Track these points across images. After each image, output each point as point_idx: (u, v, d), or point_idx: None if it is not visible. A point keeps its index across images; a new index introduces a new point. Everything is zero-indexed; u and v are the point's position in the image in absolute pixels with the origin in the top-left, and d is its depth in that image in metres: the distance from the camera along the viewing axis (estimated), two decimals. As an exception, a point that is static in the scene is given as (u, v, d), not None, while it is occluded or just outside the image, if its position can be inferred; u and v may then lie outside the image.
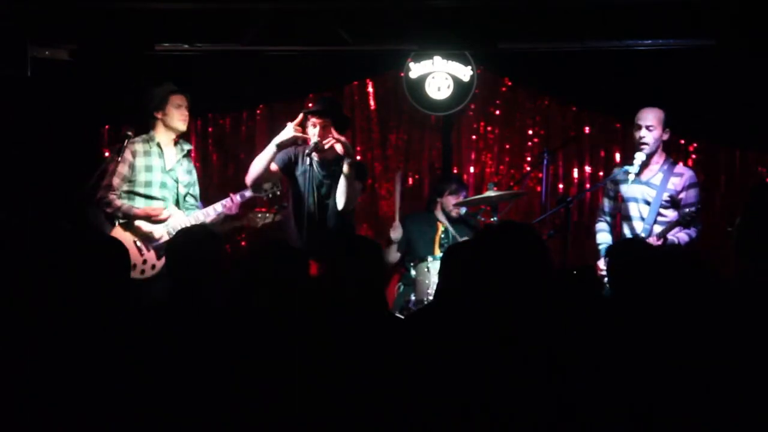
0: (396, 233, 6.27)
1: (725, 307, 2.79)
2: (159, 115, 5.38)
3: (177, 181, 5.42)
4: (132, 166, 5.31)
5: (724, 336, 2.70)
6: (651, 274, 3.02)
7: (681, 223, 5.08)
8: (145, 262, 5.27)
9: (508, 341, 2.57)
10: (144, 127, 5.44)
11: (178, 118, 5.39)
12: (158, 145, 5.38)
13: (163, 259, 5.21)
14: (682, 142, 6.59)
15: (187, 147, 5.54)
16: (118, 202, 5.29)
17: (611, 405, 2.53)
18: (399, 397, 2.62)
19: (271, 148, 5.21)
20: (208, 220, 5.38)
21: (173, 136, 5.44)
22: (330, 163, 5.30)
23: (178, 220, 5.36)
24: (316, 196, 5.25)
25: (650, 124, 5.17)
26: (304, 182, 5.27)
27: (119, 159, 5.24)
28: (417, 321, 3.40)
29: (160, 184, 5.37)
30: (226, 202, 5.41)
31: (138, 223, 5.31)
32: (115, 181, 5.27)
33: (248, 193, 5.42)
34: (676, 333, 2.74)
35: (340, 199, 5.22)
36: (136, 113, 5.53)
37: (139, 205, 5.33)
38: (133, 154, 5.32)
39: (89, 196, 5.26)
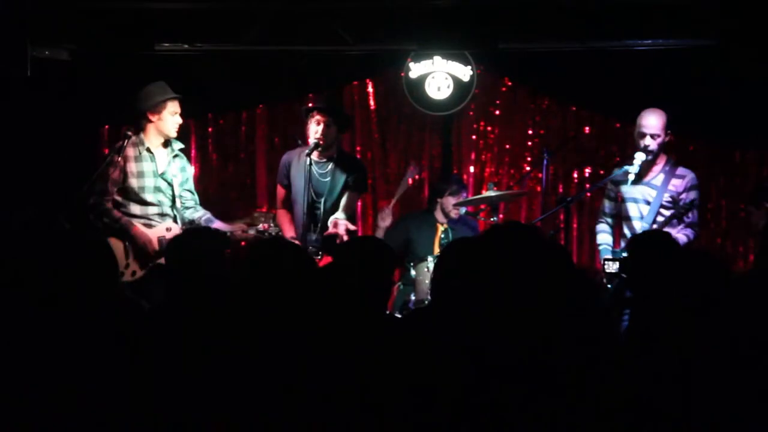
0: (385, 221, 5.98)
1: (747, 302, 2.77)
2: (153, 118, 5.26)
3: (171, 183, 5.34)
4: (123, 172, 5.23)
5: (744, 332, 2.67)
6: (674, 267, 2.98)
7: (676, 215, 5.07)
8: (127, 266, 5.23)
9: (511, 342, 2.56)
10: (136, 125, 5.32)
11: (172, 125, 5.28)
12: (148, 149, 5.27)
13: (144, 270, 5.24)
14: (682, 142, 6.58)
15: (177, 146, 5.42)
16: (117, 213, 5.21)
17: (622, 408, 2.52)
18: (398, 398, 2.62)
19: None
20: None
21: (163, 139, 5.34)
22: (327, 162, 5.37)
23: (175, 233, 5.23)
24: (314, 194, 5.29)
25: (655, 133, 5.13)
26: (303, 181, 5.31)
27: (119, 159, 5.22)
28: (417, 321, 3.38)
29: (153, 189, 5.28)
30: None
31: (136, 231, 5.23)
32: (109, 186, 5.20)
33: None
34: (698, 330, 2.71)
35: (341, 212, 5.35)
36: (130, 110, 5.41)
37: (135, 211, 5.26)
38: (125, 160, 5.21)
39: (83, 200, 5.21)
